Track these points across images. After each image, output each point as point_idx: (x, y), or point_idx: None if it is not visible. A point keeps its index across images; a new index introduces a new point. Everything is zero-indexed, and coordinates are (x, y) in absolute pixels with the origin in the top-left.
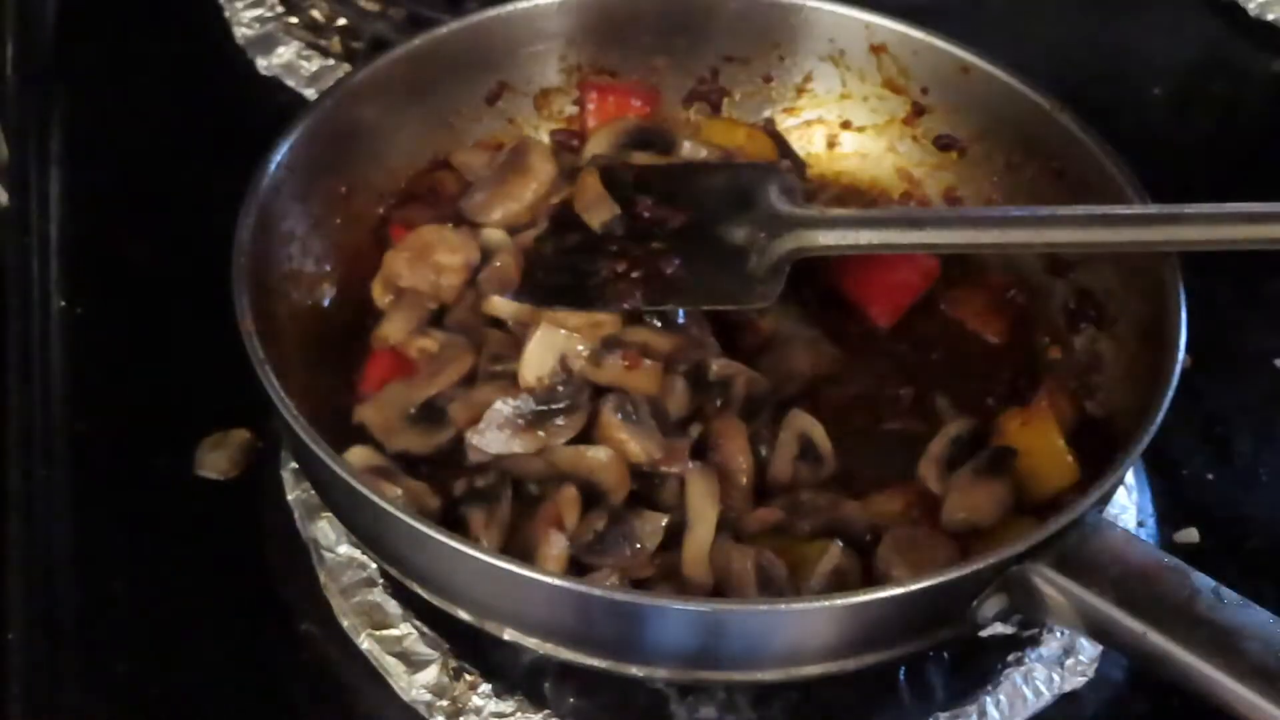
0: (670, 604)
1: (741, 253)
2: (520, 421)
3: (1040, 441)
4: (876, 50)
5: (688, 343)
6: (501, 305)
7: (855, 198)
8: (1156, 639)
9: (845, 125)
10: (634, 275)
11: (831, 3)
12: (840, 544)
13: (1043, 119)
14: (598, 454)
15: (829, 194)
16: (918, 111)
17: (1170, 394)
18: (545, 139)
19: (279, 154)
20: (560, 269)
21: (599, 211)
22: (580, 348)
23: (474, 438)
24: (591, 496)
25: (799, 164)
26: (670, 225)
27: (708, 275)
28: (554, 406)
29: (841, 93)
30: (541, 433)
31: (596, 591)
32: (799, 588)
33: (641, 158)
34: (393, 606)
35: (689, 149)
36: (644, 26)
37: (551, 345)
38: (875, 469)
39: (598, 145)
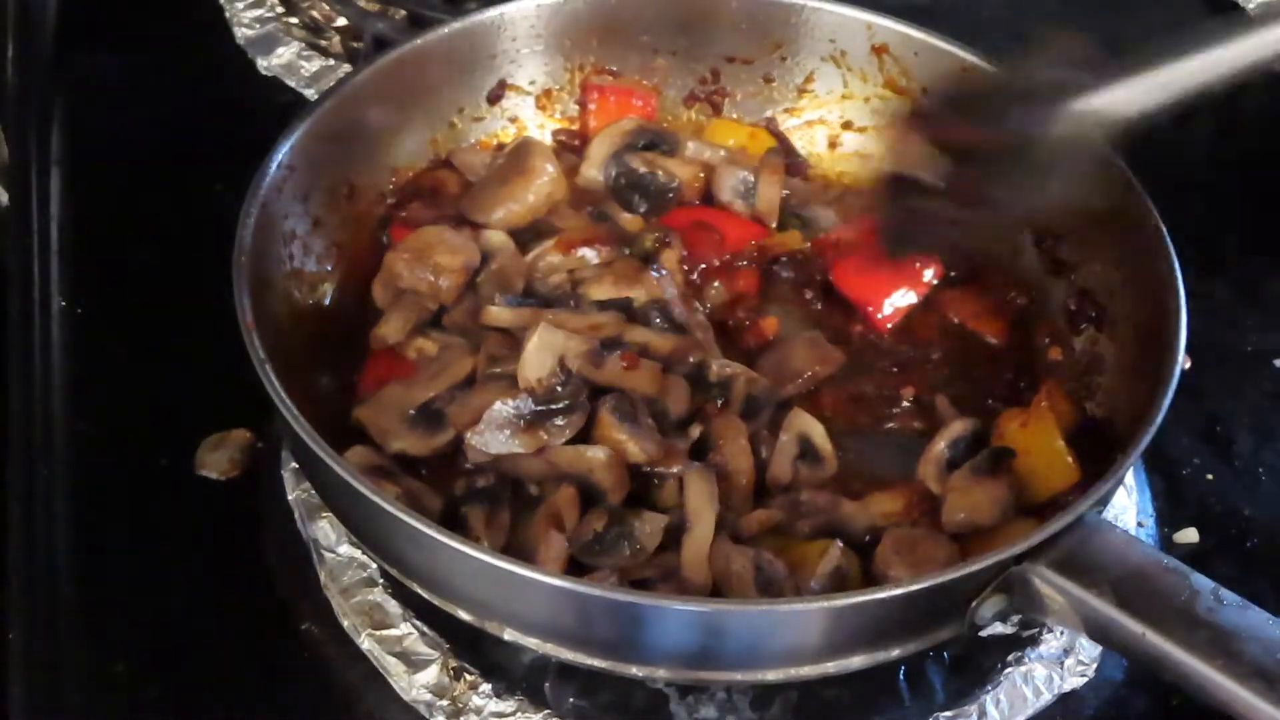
0: (670, 604)
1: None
2: (520, 422)
3: (1040, 442)
4: (878, 51)
5: (688, 343)
6: (499, 315)
7: (857, 198)
8: (1156, 640)
9: (846, 125)
10: None
11: (833, 3)
12: (840, 544)
13: None
14: (596, 454)
15: (830, 194)
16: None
17: (1170, 394)
18: (548, 139)
19: (280, 154)
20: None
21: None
22: (579, 348)
23: (473, 438)
24: (590, 497)
25: (801, 163)
26: None
27: None
28: (553, 407)
29: (843, 93)
30: (541, 433)
31: (596, 591)
32: (799, 587)
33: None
34: (393, 606)
35: (693, 149)
36: (646, 27)
37: (550, 346)
38: (875, 469)
39: (601, 146)
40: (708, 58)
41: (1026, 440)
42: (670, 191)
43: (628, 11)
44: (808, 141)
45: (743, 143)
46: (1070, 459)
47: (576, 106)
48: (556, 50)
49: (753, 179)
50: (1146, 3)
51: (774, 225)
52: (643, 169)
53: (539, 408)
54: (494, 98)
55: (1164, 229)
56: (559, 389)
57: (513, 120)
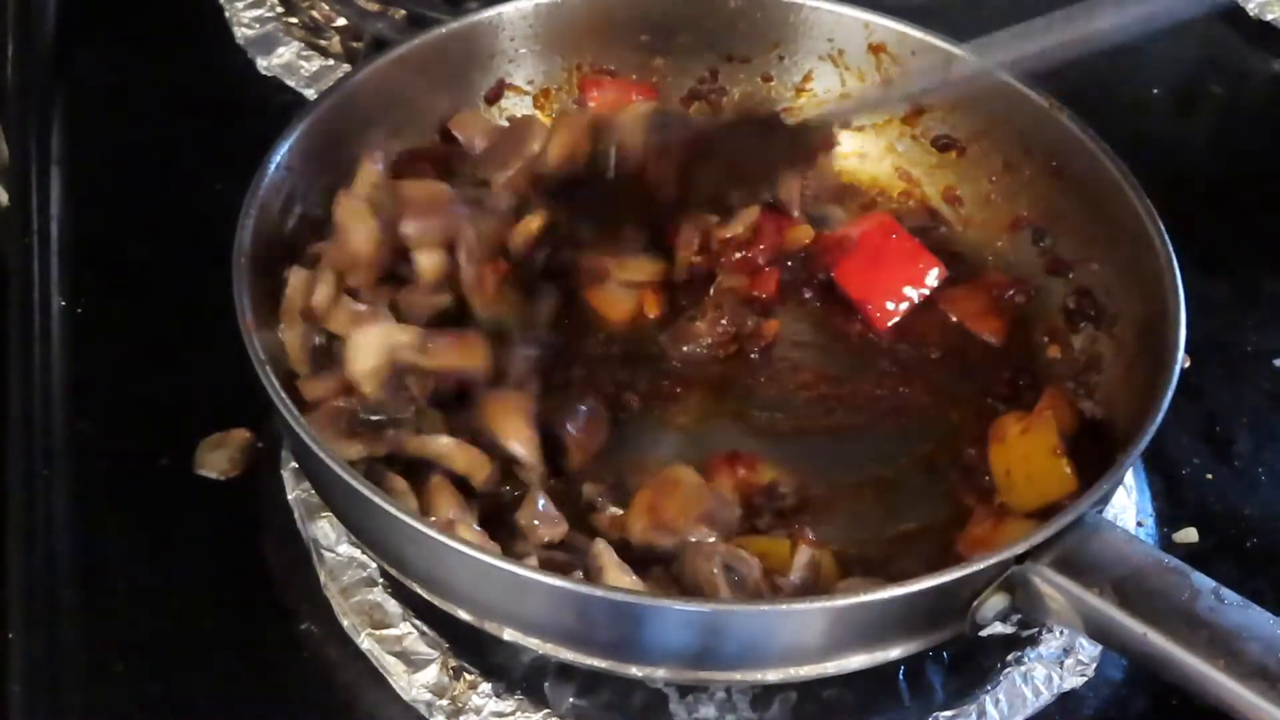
0: (670, 604)
1: None
2: (342, 424)
3: (1040, 449)
4: (875, 50)
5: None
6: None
7: (854, 197)
8: (1157, 639)
9: (844, 125)
10: None
11: (831, 2)
12: (812, 543)
13: (1041, 118)
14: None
15: (827, 193)
16: (916, 111)
17: (1170, 393)
18: None
19: (278, 155)
20: None
21: None
22: (405, 339)
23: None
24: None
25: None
26: None
27: None
28: (375, 418)
29: (841, 92)
30: (360, 444)
31: (597, 592)
32: (776, 584)
33: None
34: (393, 606)
35: None
36: (644, 26)
37: (370, 347)
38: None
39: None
40: (706, 57)
41: (1027, 446)
42: None
43: (625, 11)
44: None
45: None
46: (1069, 469)
47: (575, 106)
48: (554, 50)
49: None
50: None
51: (796, 214)
52: None
53: (366, 416)
54: (492, 97)
55: (1162, 227)
56: (388, 399)
57: (511, 120)
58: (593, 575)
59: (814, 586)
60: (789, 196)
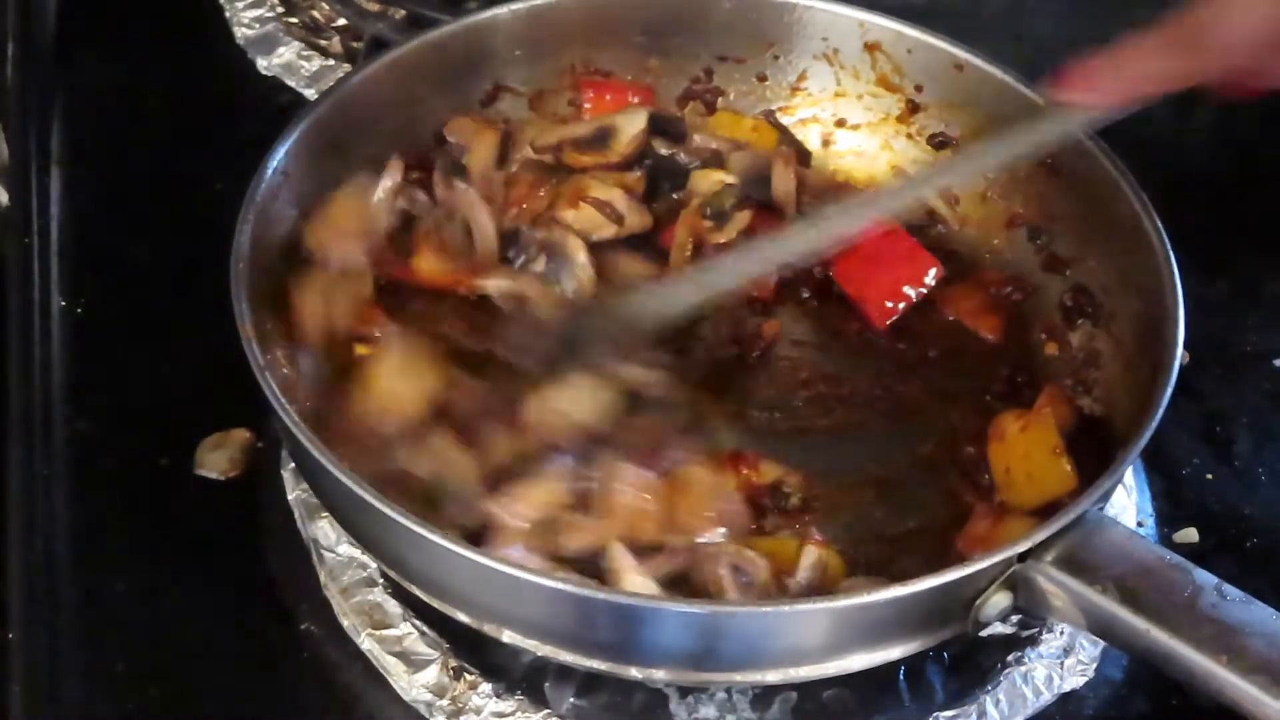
0: (670, 605)
1: None
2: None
3: (1039, 447)
4: (871, 48)
5: None
6: None
7: (850, 195)
8: (1159, 636)
9: (840, 123)
10: None
11: (825, 1)
12: (818, 544)
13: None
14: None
15: (826, 192)
16: (912, 109)
17: (1170, 389)
18: None
19: (275, 159)
20: None
21: None
22: None
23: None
24: None
25: (803, 152)
26: None
27: None
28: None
29: (836, 91)
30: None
31: (597, 594)
32: (783, 584)
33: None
34: (393, 606)
35: (699, 141)
36: (638, 27)
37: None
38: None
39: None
40: (701, 57)
41: (1026, 444)
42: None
43: (619, 12)
44: (801, 139)
45: (745, 136)
46: (1068, 467)
47: (570, 107)
48: (550, 51)
49: (766, 169)
50: (1146, 2)
51: (792, 214)
52: (664, 151)
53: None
54: (487, 99)
55: (1160, 226)
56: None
57: (506, 122)
58: (608, 578)
59: (820, 587)
60: (785, 196)
